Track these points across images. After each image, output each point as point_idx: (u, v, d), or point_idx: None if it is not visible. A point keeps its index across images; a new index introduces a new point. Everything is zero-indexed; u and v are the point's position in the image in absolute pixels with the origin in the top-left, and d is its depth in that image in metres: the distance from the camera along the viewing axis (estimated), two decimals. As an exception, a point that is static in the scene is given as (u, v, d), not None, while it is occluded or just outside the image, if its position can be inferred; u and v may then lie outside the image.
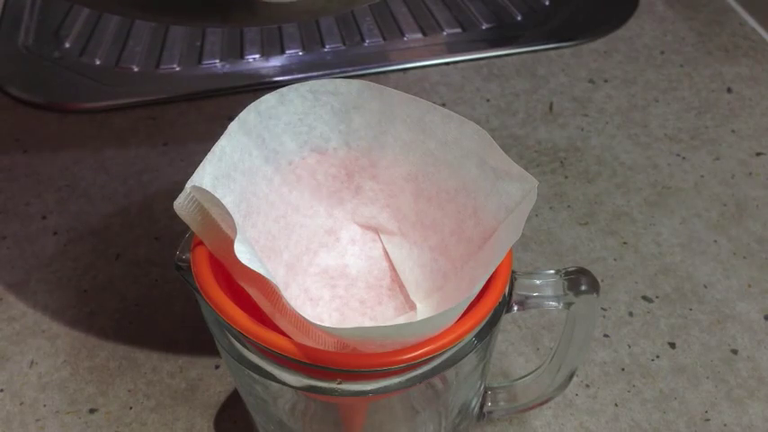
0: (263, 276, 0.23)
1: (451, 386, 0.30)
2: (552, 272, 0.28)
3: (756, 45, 0.59)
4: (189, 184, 0.25)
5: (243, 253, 0.23)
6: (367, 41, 0.59)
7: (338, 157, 0.29)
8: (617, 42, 0.59)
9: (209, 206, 0.25)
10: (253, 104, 0.27)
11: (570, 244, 0.44)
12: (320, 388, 0.25)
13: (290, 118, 0.28)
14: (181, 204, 0.25)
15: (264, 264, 0.25)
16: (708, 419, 0.36)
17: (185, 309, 0.40)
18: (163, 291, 0.41)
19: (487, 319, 0.25)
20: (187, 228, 0.26)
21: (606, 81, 0.55)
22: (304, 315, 0.24)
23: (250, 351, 0.25)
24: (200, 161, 0.26)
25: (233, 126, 0.26)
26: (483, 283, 0.23)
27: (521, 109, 0.53)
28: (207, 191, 0.24)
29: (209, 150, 0.26)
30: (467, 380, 0.29)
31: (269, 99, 0.27)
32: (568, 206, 0.46)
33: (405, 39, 0.60)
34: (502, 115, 0.52)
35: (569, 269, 0.28)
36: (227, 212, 0.24)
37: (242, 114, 0.27)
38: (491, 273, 0.24)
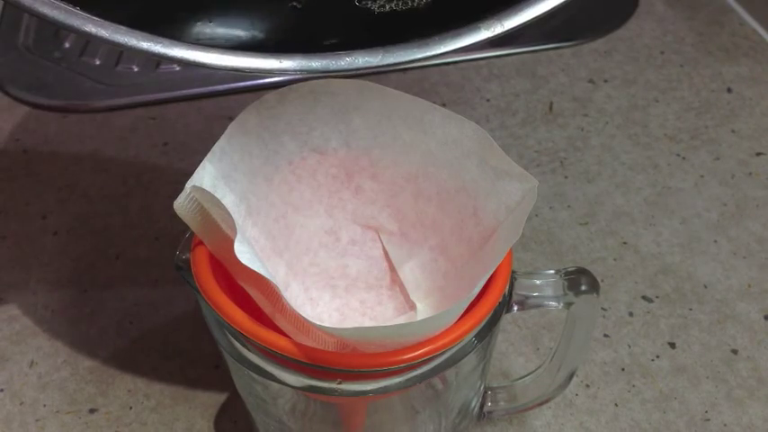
0: (263, 276, 0.23)
1: (451, 386, 0.30)
2: (552, 272, 0.28)
3: (756, 45, 0.59)
4: (189, 184, 0.25)
5: (243, 253, 0.23)
6: (367, 41, 0.59)
7: (338, 157, 0.29)
8: (617, 42, 0.59)
9: (209, 206, 0.25)
10: (253, 105, 0.27)
11: (570, 244, 0.44)
12: (320, 388, 0.25)
13: (290, 118, 0.28)
14: (181, 204, 0.25)
15: (264, 264, 0.25)
16: (708, 419, 0.36)
17: (185, 309, 0.40)
18: (163, 291, 0.41)
19: (487, 319, 0.25)
20: (187, 228, 0.26)
21: (606, 81, 0.55)
22: (304, 315, 0.24)
23: (250, 351, 0.25)
24: (201, 161, 0.26)
25: (233, 126, 0.26)
26: (483, 283, 0.23)
27: (521, 109, 0.53)
28: (207, 191, 0.24)
29: (210, 150, 0.26)
30: (467, 380, 0.29)
31: (269, 99, 0.27)
32: (568, 206, 0.46)
33: (405, 39, 0.60)
34: (502, 115, 0.52)
35: (569, 269, 0.28)
36: (227, 212, 0.24)
37: (242, 114, 0.27)
38: (491, 273, 0.24)
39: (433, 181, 0.28)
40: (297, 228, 0.30)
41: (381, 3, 0.22)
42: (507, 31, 0.22)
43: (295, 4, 0.22)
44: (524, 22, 0.22)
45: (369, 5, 0.22)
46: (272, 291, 0.26)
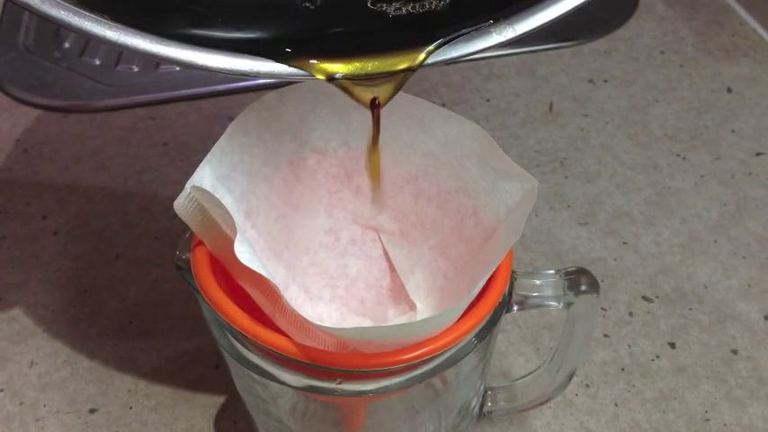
0: (263, 277, 0.23)
1: (451, 386, 0.30)
2: (552, 272, 0.28)
3: (756, 45, 0.59)
4: (189, 185, 0.25)
5: (243, 253, 0.23)
6: (367, 41, 0.59)
7: (338, 157, 0.29)
8: (617, 42, 0.59)
9: (208, 206, 0.25)
10: (253, 105, 0.27)
11: (570, 244, 0.44)
12: (320, 388, 0.25)
13: (291, 118, 0.28)
14: (181, 204, 0.25)
15: (264, 264, 0.25)
16: (708, 419, 0.36)
17: (185, 309, 0.40)
18: (163, 291, 0.41)
19: (487, 319, 0.25)
20: (187, 228, 0.26)
21: (606, 81, 0.55)
22: (304, 315, 0.24)
23: (250, 351, 0.25)
24: (201, 161, 0.26)
25: (233, 126, 0.26)
26: (483, 283, 0.23)
27: (521, 109, 0.53)
28: (207, 191, 0.24)
29: (210, 150, 0.26)
30: (467, 380, 0.29)
31: (269, 99, 0.27)
32: (568, 206, 0.46)
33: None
34: (502, 115, 0.52)
35: (569, 269, 0.28)
36: (227, 213, 0.24)
37: (242, 115, 0.27)
38: (491, 273, 0.24)
39: (433, 181, 0.28)
40: (297, 228, 0.30)
41: (397, 6, 0.22)
42: (519, 35, 0.22)
43: (308, 5, 0.22)
44: (536, 27, 0.22)
45: (384, 8, 0.22)
46: (271, 291, 0.26)
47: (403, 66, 0.22)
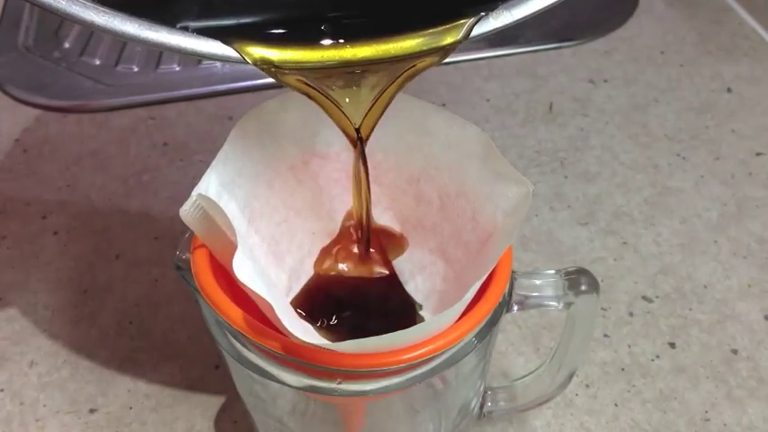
0: (264, 281, 0.23)
1: (451, 386, 0.30)
2: (552, 272, 0.28)
3: (756, 45, 0.59)
4: (195, 192, 0.25)
5: (241, 269, 0.22)
6: (367, 41, 0.59)
7: (340, 160, 0.29)
8: (617, 42, 0.59)
9: (213, 214, 0.25)
10: (254, 110, 0.27)
11: (570, 244, 0.44)
12: (320, 388, 0.25)
13: (292, 123, 0.28)
14: (187, 212, 0.25)
15: (265, 274, 0.24)
16: (708, 419, 0.36)
17: (185, 309, 0.40)
18: (163, 291, 0.41)
19: (487, 319, 0.25)
20: (187, 228, 0.26)
21: (606, 81, 0.55)
22: (299, 330, 0.24)
23: (250, 351, 0.25)
24: (201, 161, 0.26)
25: (235, 132, 0.26)
26: (476, 288, 0.23)
27: (521, 109, 0.53)
28: (212, 199, 0.24)
29: (209, 151, 0.26)
30: (467, 380, 0.29)
31: (270, 104, 0.27)
32: (568, 206, 0.46)
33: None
34: (502, 115, 0.52)
35: (569, 269, 0.28)
36: (231, 224, 0.24)
37: (243, 120, 0.27)
38: (484, 278, 0.24)
39: (434, 184, 0.28)
40: (299, 231, 0.30)
41: None
42: (516, 20, 0.22)
43: None
44: (533, 12, 0.22)
45: None
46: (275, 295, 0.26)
47: (401, 52, 0.22)
